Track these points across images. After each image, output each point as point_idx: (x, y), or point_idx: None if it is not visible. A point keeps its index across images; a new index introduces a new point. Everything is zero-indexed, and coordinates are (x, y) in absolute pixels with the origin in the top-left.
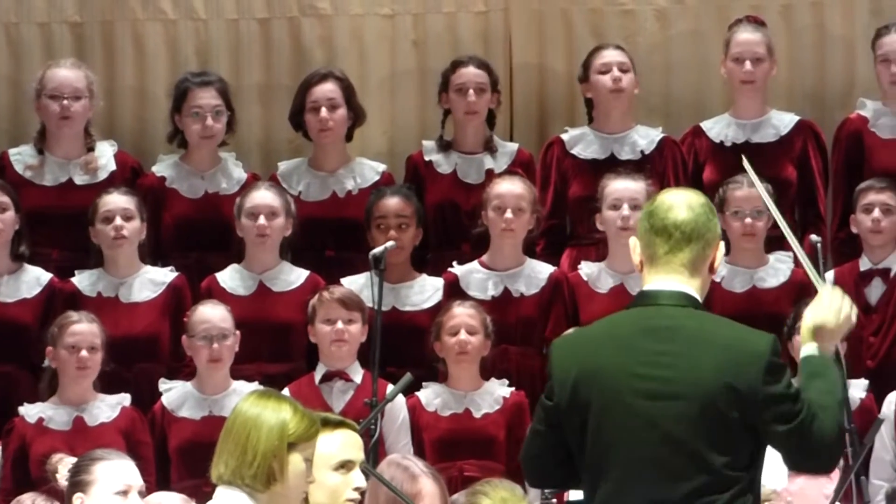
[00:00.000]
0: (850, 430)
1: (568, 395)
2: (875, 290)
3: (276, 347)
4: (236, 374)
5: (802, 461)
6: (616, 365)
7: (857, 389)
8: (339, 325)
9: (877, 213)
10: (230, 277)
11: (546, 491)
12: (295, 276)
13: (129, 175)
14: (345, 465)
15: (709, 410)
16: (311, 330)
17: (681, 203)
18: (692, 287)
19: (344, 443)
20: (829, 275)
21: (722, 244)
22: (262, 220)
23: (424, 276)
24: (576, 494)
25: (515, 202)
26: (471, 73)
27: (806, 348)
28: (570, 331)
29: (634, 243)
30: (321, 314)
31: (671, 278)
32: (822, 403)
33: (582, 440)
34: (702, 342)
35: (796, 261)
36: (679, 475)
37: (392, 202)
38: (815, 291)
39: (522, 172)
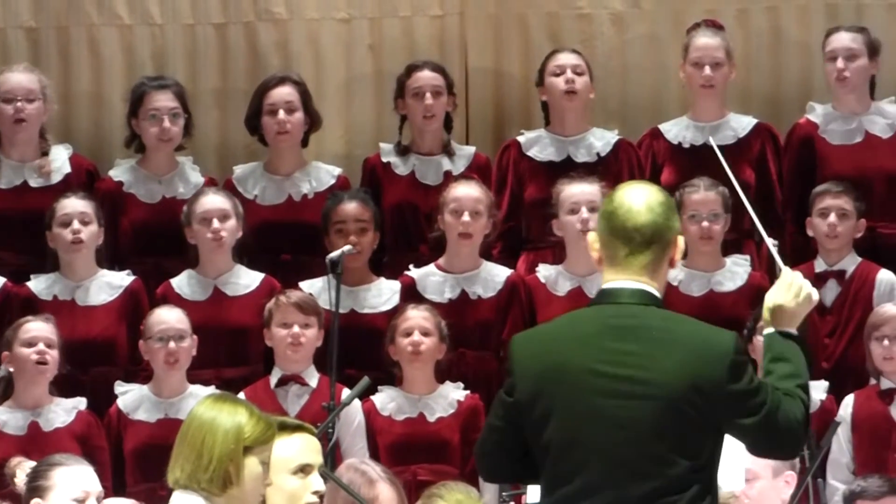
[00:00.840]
0: (808, 433)
1: (529, 392)
2: (830, 292)
3: (232, 351)
4: (193, 378)
5: (769, 449)
6: (579, 363)
7: (818, 391)
8: (296, 328)
9: (833, 217)
10: (185, 283)
11: (504, 493)
12: (250, 280)
13: (85, 178)
14: (303, 469)
15: (673, 410)
16: (268, 333)
17: (640, 204)
18: (652, 287)
19: (302, 447)
20: None
21: (681, 238)
22: (215, 223)
23: (382, 279)
24: (533, 496)
25: (472, 206)
26: (426, 76)
27: (769, 329)
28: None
29: (594, 239)
30: (277, 318)
31: (631, 279)
32: (786, 389)
33: (542, 438)
34: (665, 341)
35: (753, 264)
36: (641, 475)
37: (351, 207)
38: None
39: (477, 177)
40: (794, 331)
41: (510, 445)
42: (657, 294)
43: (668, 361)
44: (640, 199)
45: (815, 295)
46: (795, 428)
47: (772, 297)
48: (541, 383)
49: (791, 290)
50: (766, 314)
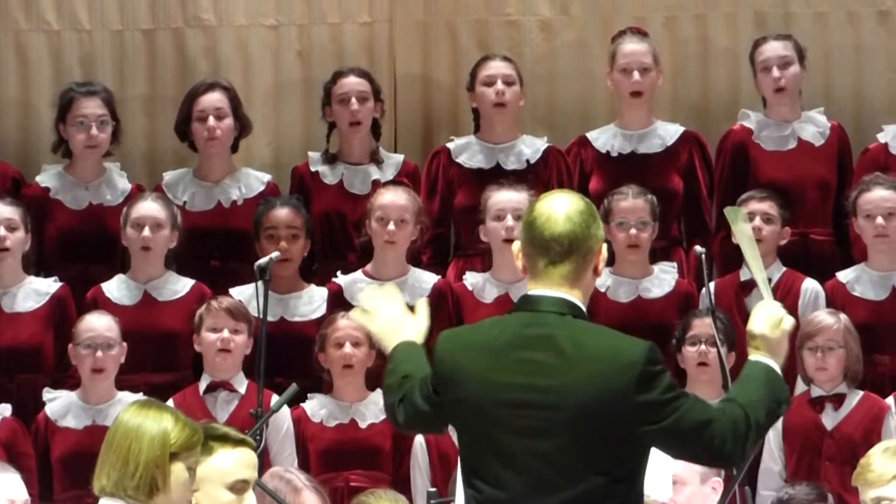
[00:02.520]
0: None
1: (445, 391)
2: (756, 300)
3: (161, 357)
4: (122, 384)
5: (692, 457)
6: (488, 373)
7: None
8: (225, 333)
9: (758, 221)
10: (115, 288)
11: (432, 501)
12: (180, 286)
13: (10, 185)
14: (239, 485)
15: (582, 421)
16: (197, 339)
17: (559, 213)
18: (574, 296)
19: (241, 462)
20: (712, 285)
21: (605, 247)
22: (146, 231)
23: (312, 286)
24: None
25: (398, 213)
26: (352, 82)
27: (752, 356)
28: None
29: (517, 249)
30: (207, 323)
31: (552, 290)
32: (729, 406)
33: (460, 434)
34: (576, 352)
35: (681, 271)
36: (553, 486)
37: (282, 213)
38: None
39: (409, 182)
40: (772, 362)
41: (434, 424)
42: (578, 303)
43: (577, 372)
44: (559, 209)
45: (790, 324)
46: (709, 441)
47: (754, 328)
48: (452, 386)
49: (771, 321)
50: (750, 344)
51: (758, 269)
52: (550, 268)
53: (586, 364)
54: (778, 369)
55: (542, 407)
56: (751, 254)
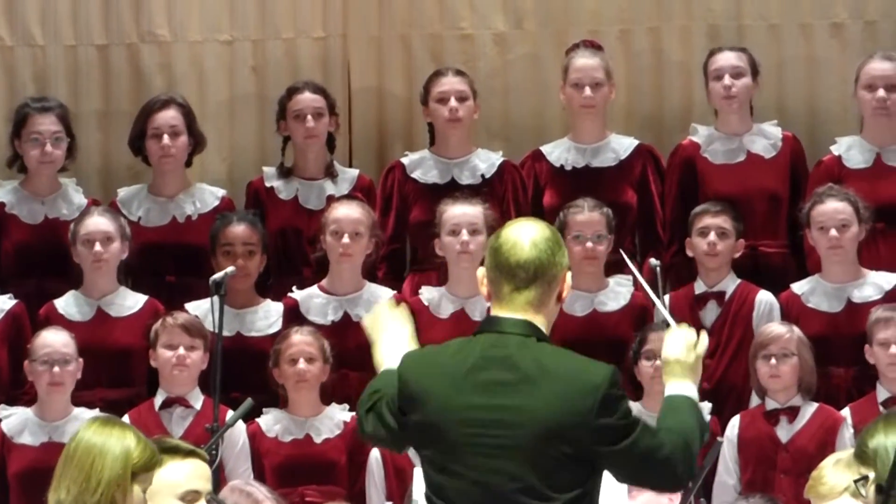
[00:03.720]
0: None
1: (410, 412)
2: (710, 313)
3: (115, 373)
4: (76, 400)
5: (643, 481)
6: (451, 394)
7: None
8: (181, 350)
9: (712, 236)
10: (68, 304)
11: None
12: (133, 302)
13: None
14: (190, 496)
15: (543, 441)
16: (153, 354)
17: (525, 240)
18: (537, 321)
19: (192, 473)
20: (666, 298)
21: (569, 275)
22: (97, 246)
23: (268, 301)
24: None
25: (353, 227)
26: (307, 98)
27: (668, 387)
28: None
29: (482, 275)
30: (163, 339)
31: (516, 314)
32: (675, 429)
33: (422, 453)
34: (539, 374)
35: (636, 284)
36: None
37: (239, 229)
38: (664, 322)
39: (363, 197)
40: (691, 391)
41: (398, 441)
42: (541, 327)
43: (540, 393)
44: (525, 236)
45: (705, 344)
46: (663, 466)
47: (670, 354)
48: (417, 407)
49: (686, 345)
50: (665, 372)
51: (659, 302)
52: (515, 294)
53: (549, 385)
54: (697, 399)
55: (505, 426)
56: (649, 290)
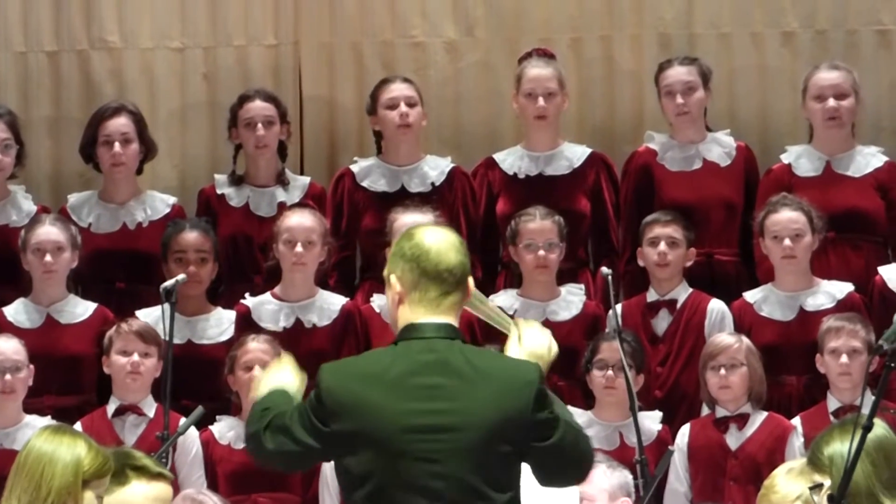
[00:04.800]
0: (642, 462)
1: (341, 425)
2: (662, 322)
3: (65, 380)
4: (27, 407)
5: (560, 475)
6: (390, 401)
7: (653, 421)
8: (136, 357)
9: (662, 246)
10: (17, 311)
11: None
12: (83, 309)
13: None
14: None
15: (484, 442)
16: (106, 361)
17: (448, 247)
18: (456, 322)
19: (154, 496)
20: (619, 307)
21: (471, 279)
22: (48, 257)
23: (219, 308)
24: None
25: (305, 235)
26: (258, 106)
27: None
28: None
29: (395, 281)
30: (118, 345)
31: (439, 318)
32: (574, 423)
33: (352, 468)
34: (474, 375)
35: (588, 293)
36: None
37: (192, 236)
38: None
39: (314, 205)
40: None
41: (307, 460)
42: (458, 329)
43: (477, 394)
44: (444, 241)
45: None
46: (588, 455)
47: (534, 348)
48: (352, 419)
49: (549, 344)
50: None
51: (499, 318)
52: (442, 298)
53: (485, 385)
54: None
55: (446, 430)
56: (490, 314)
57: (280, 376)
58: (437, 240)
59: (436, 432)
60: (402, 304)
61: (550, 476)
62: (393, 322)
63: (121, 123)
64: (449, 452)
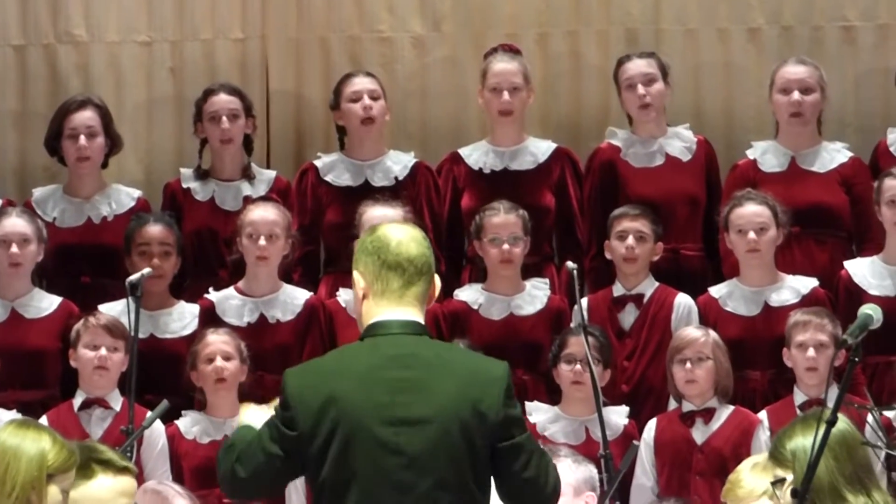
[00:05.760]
0: (606, 456)
1: (310, 426)
2: (628, 316)
3: (30, 375)
4: None
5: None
6: (359, 395)
7: (619, 416)
8: (103, 351)
9: (630, 240)
10: None
11: None
12: (47, 303)
13: None
14: None
15: (454, 435)
16: (73, 355)
17: (409, 238)
18: (420, 318)
19: (119, 490)
20: (584, 301)
21: (437, 276)
22: (14, 248)
23: (182, 303)
24: None
25: (269, 229)
26: (223, 100)
27: None
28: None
29: (358, 277)
30: (85, 339)
31: (403, 310)
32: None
33: (321, 468)
34: (442, 368)
35: (553, 287)
36: (424, 500)
37: (155, 230)
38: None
39: (278, 199)
40: None
41: (281, 474)
42: (425, 325)
43: (446, 387)
44: (404, 234)
45: None
46: (552, 474)
47: None
48: (320, 417)
49: None
50: None
51: None
52: (405, 288)
53: (455, 379)
54: None
55: (415, 422)
56: None
57: (248, 416)
58: (398, 232)
59: (405, 425)
60: (366, 299)
61: (510, 488)
62: (358, 319)
63: (86, 117)
64: (419, 445)
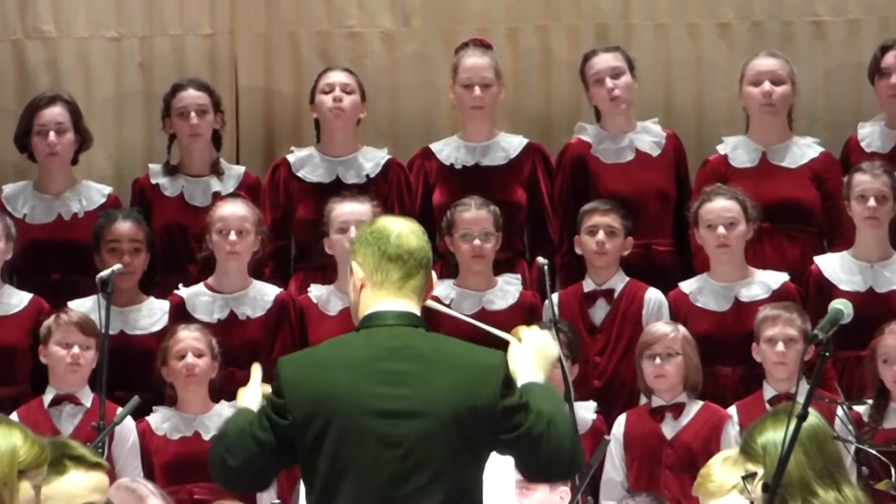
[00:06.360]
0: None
1: (304, 415)
2: (599, 311)
3: (0, 371)
4: None
5: (543, 468)
6: (355, 386)
7: (587, 411)
8: (76, 349)
9: (601, 235)
10: None
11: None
12: (17, 300)
13: None
14: None
15: (450, 428)
16: (44, 351)
17: (408, 231)
18: (417, 310)
19: (92, 485)
20: (555, 297)
21: (433, 273)
22: None
23: (152, 299)
24: None
25: (239, 223)
26: (191, 95)
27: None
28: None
29: (357, 267)
30: (57, 336)
31: (401, 302)
32: (553, 412)
33: (315, 458)
34: (438, 361)
35: (525, 282)
36: (419, 493)
37: (124, 226)
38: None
39: (246, 195)
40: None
41: (273, 462)
42: (421, 317)
43: (442, 380)
44: (404, 227)
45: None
46: (569, 446)
47: (535, 346)
48: (315, 407)
49: (548, 339)
50: (535, 357)
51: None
52: (403, 281)
53: (451, 372)
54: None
55: (411, 415)
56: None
57: (246, 395)
58: (398, 225)
59: (400, 417)
60: (363, 289)
61: (534, 471)
62: (354, 309)
63: (56, 113)
64: (414, 438)
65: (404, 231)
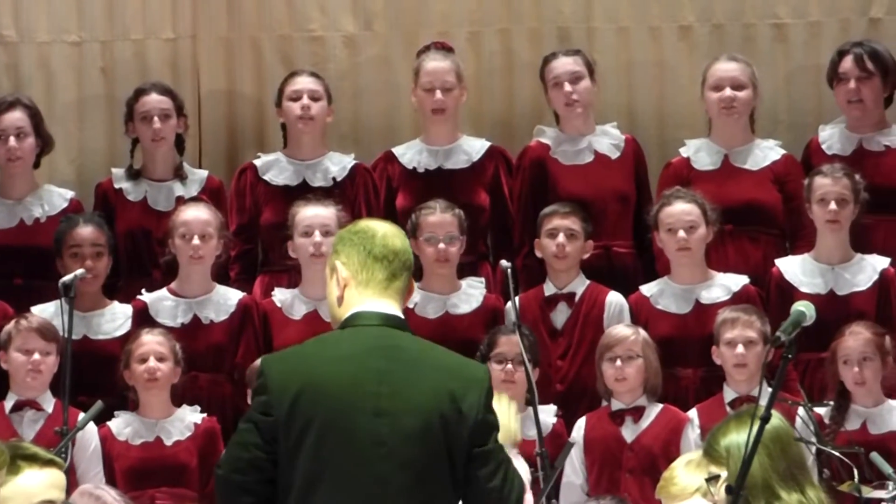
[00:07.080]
0: (542, 454)
1: (287, 411)
2: (560, 315)
3: None
4: None
5: (489, 492)
6: (342, 382)
7: (548, 415)
8: (36, 356)
9: (561, 237)
10: None
11: None
12: None
13: None
14: None
15: (435, 429)
16: (4, 357)
17: (392, 233)
18: (400, 313)
19: (48, 482)
20: (517, 300)
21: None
22: None
23: (115, 303)
24: None
25: (201, 228)
26: (154, 100)
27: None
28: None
29: (341, 266)
30: (17, 342)
31: (385, 302)
32: (511, 468)
33: (296, 456)
34: (425, 363)
35: (489, 286)
36: (403, 492)
37: (86, 231)
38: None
39: (209, 199)
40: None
41: (264, 464)
42: (404, 319)
43: (428, 381)
44: (389, 229)
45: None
46: (511, 478)
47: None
48: (300, 402)
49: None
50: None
51: None
52: (388, 281)
53: (439, 373)
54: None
55: (397, 414)
56: None
57: None
58: (381, 226)
59: (387, 416)
60: (347, 289)
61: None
62: (333, 308)
63: (16, 117)
64: (400, 436)
65: (389, 232)
